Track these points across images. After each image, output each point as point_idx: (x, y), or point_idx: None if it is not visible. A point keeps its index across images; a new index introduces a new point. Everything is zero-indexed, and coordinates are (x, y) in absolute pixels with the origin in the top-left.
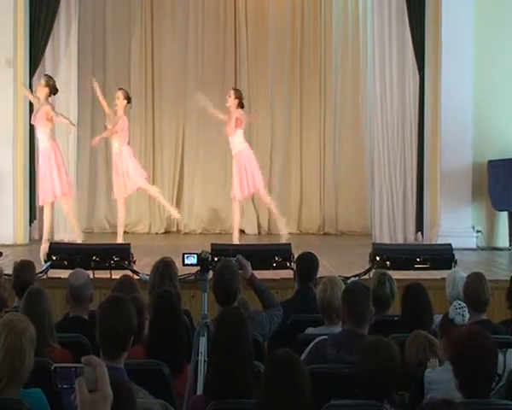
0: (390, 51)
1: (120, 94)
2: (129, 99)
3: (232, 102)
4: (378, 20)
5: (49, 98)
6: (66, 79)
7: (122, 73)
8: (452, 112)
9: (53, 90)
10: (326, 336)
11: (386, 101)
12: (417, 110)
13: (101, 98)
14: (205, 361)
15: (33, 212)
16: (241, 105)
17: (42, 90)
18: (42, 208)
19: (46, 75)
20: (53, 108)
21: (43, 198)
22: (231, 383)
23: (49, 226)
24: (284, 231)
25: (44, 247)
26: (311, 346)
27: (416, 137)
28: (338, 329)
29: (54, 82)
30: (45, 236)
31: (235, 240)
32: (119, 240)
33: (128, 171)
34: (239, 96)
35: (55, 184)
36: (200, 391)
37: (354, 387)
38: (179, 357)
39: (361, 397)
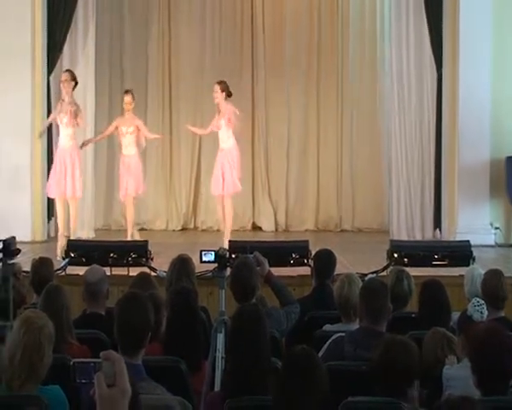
0: (407, 48)
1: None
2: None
3: (220, 96)
4: (396, 17)
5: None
6: (84, 78)
7: (139, 73)
8: (470, 109)
9: (76, 83)
10: (343, 334)
11: (403, 98)
12: (435, 107)
13: (102, 136)
14: (222, 358)
15: (51, 209)
16: (229, 95)
17: (70, 85)
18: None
19: (69, 70)
20: (80, 110)
21: (55, 192)
22: (248, 379)
23: (63, 220)
24: (226, 237)
25: (61, 242)
26: (328, 343)
27: (433, 134)
28: (355, 326)
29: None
30: (61, 230)
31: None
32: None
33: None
34: (225, 88)
35: (67, 185)
36: (217, 388)
37: (371, 384)
38: (196, 354)
39: (378, 394)
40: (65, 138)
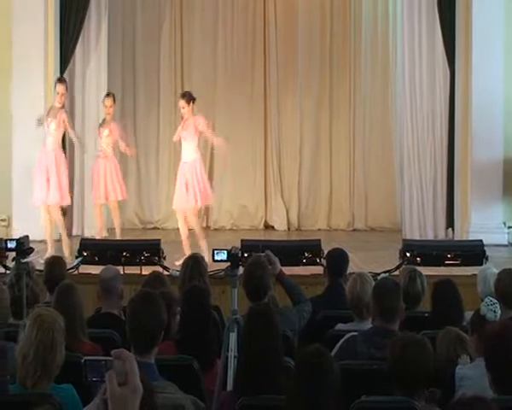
0: (420, 45)
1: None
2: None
3: (189, 110)
4: (408, 14)
5: None
6: (96, 78)
7: (152, 74)
8: (483, 106)
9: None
10: (356, 333)
11: (415, 95)
12: (447, 105)
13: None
14: (235, 357)
15: (63, 208)
16: (193, 102)
17: (66, 97)
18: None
19: (64, 79)
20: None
21: (39, 200)
22: (261, 379)
23: (63, 223)
24: (205, 251)
25: (66, 242)
26: (340, 342)
27: (446, 132)
28: (368, 325)
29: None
30: (63, 233)
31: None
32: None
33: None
34: (191, 100)
35: (50, 192)
36: (229, 387)
37: (385, 383)
38: (209, 352)
39: (392, 393)
40: (50, 143)
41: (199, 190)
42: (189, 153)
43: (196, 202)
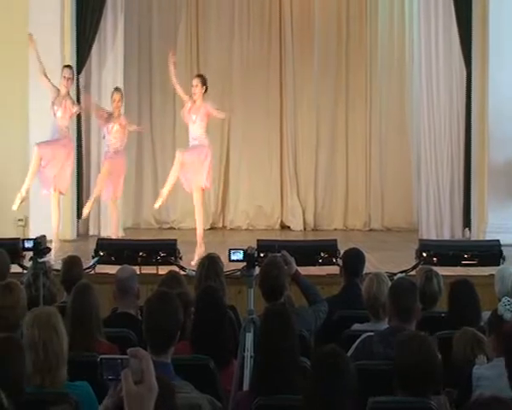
0: (436, 46)
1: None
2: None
3: (200, 92)
4: (424, 14)
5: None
6: (113, 78)
7: (168, 72)
8: (500, 106)
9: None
10: (372, 333)
11: (432, 96)
12: (464, 105)
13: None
14: (251, 357)
15: (80, 208)
16: (206, 91)
17: (72, 82)
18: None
19: (70, 66)
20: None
21: (46, 187)
22: (277, 379)
23: (58, 220)
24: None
25: (56, 245)
26: (357, 342)
27: (463, 132)
28: (384, 325)
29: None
30: (55, 233)
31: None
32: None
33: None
34: (205, 84)
35: (55, 179)
36: (246, 387)
37: (392, 383)
38: (223, 352)
39: (400, 394)
40: (57, 131)
41: (196, 172)
42: (197, 138)
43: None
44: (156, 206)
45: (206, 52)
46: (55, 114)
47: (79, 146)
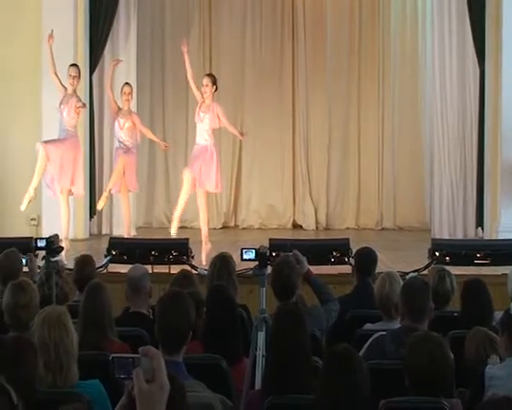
0: (450, 45)
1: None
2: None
3: (210, 91)
4: (437, 12)
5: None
6: (125, 77)
7: (180, 72)
8: None
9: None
10: (384, 332)
11: (445, 95)
12: (477, 104)
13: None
14: (263, 356)
15: (93, 207)
16: (216, 90)
17: (78, 81)
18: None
19: (77, 64)
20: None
21: (56, 189)
22: (289, 378)
23: (67, 221)
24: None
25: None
26: (369, 342)
27: (476, 132)
28: (396, 325)
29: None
30: (65, 233)
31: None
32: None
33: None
34: (215, 84)
35: (65, 180)
36: (258, 386)
37: (403, 383)
38: (234, 350)
39: (411, 394)
40: (64, 130)
41: (206, 175)
42: (204, 136)
43: (216, 186)
44: (172, 232)
45: (218, 53)
46: (61, 114)
47: (92, 146)
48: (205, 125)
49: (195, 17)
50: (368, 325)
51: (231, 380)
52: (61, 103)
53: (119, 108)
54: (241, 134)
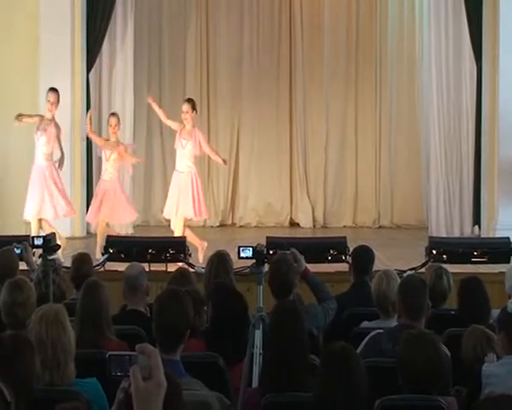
0: (446, 42)
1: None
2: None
3: (191, 117)
4: (434, 9)
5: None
6: (123, 74)
7: (177, 72)
8: (510, 103)
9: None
10: (381, 330)
11: (442, 93)
12: (474, 101)
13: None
14: (260, 354)
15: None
16: (196, 113)
17: (57, 107)
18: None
19: (56, 89)
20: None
21: (31, 213)
22: (286, 375)
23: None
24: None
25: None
26: (366, 340)
27: (472, 129)
28: (393, 323)
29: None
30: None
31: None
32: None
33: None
34: (195, 109)
35: (46, 206)
36: (255, 384)
37: (397, 381)
38: (239, 349)
39: (405, 391)
40: (41, 157)
41: (197, 203)
42: (185, 162)
43: (195, 213)
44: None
45: (215, 53)
46: (38, 140)
47: (89, 145)
48: (187, 152)
49: (192, 17)
50: (365, 323)
51: (229, 378)
52: (37, 129)
53: (106, 140)
54: (224, 161)
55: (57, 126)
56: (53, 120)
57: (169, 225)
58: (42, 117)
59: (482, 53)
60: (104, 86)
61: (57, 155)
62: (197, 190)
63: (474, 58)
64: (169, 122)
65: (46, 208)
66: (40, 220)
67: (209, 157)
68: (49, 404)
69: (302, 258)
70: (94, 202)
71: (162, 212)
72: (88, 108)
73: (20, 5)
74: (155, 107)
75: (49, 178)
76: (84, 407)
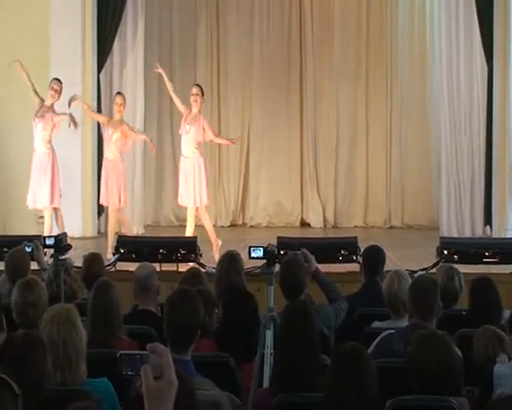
0: (457, 41)
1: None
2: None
3: (199, 102)
4: (445, 9)
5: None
6: (133, 74)
7: (188, 69)
8: None
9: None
10: (392, 331)
11: (453, 92)
12: (485, 101)
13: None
14: (271, 354)
15: (101, 205)
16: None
17: (59, 95)
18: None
19: (59, 79)
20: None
21: (33, 201)
22: (297, 376)
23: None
24: (215, 250)
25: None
26: (377, 340)
27: (484, 129)
28: (404, 323)
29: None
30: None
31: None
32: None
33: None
34: (203, 95)
35: (43, 194)
36: (266, 384)
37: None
38: (249, 349)
39: (416, 392)
40: (40, 143)
41: (199, 189)
42: (190, 148)
43: (195, 202)
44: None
45: (226, 50)
46: (36, 127)
47: (100, 144)
48: (191, 136)
49: (203, 15)
50: (376, 324)
51: (240, 378)
52: (35, 116)
53: (110, 118)
54: (232, 141)
55: (54, 111)
56: (51, 107)
57: (180, 226)
58: (42, 102)
59: (493, 52)
60: (115, 87)
61: (64, 122)
62: (199, 178)
63: (485, 57)
64: (175, 99)
65: (44, 196)
66: (55, 209)
67: (220, 156)
68: (61, 404)
69: (313, 258)
70: (102, 187)
71: (173, 212)
72: (99, 108)
73: (31, 6)
74: (165, 77)
75: (48, 165)
76: (96, 406)
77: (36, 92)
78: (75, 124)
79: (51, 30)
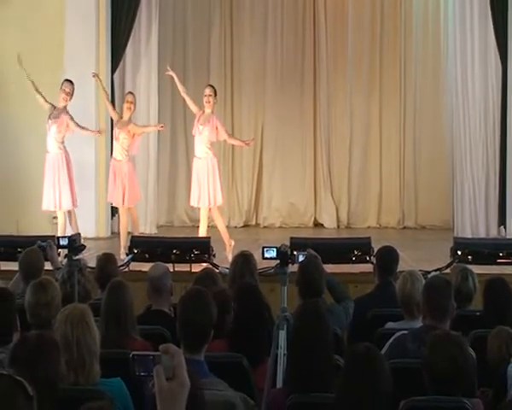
0: (472, 41)
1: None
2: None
3: (212, 102)
4: (460, 10)
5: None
6: (147, 77)
7: (202, 72)
8: None
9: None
10: (406, 331)
11: (467, 92)
12: (500, 101)
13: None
14: (284, 354)
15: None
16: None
17: (71, 94)
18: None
19: (71, 81)
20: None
21: (47, 204)
22: (311, 376)
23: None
24: (228, 250)
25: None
26: (390, 341)
27: (498, 129)
28: (418, 324)
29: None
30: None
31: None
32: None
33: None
34: (216, 95)
35: (56, 196)
36: (279, 385)
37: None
38: (262, 349)
39: (430, 393)
40: (53, 145)
41: (212, 190)
42: (202, 149)
43: (209, 202)
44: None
45: (239, 52)
46: (49, 129)
47: (112, 144)
48: (204, 137)
49: (216, 19)
50: (389, 324)
51: (253, 379)
52: (49, 118)
53: (120, 118)
54: (246, 143)
55: (69, 114)
56: (65, 109)
57: (193, 226)
58: (53, 107)
59: (507, 52)
60: (128, 89)
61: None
62: (213, 178)
63: (500, 58)
64: (188, 101)
65: (56, 199)
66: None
67: (233, 157)
68: (74, 404)
69: (318, 258)
70: (111, 185)
71: (186, 212)
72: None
73: (46, 7)
74: (177, 79)
75: (61, 167)
76: (110, 406)
77: (42, 96)
78: (89, 131)
79: (66, 32)
